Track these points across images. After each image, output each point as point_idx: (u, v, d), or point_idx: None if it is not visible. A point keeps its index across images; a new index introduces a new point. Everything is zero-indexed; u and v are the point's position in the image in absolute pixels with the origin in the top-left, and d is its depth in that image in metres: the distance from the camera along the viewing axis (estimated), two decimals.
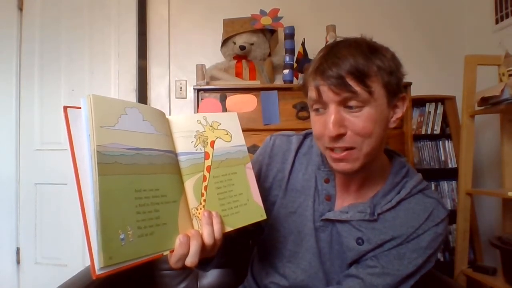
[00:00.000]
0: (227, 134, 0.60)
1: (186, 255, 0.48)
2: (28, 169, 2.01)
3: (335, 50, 0.59)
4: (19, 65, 2.02)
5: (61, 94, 1.99)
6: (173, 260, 0.48)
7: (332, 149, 0.60)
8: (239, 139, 0.61)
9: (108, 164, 0.43)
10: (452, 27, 2.12)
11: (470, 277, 1.54)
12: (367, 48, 0.58)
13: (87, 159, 0.43)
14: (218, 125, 0.59)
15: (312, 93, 0.60)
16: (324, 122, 0.59)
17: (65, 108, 0.44)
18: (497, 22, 1.84)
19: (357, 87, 0.56)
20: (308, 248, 0.68)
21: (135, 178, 0.45)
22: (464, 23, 2.11)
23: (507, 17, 1.77)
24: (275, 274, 0.72)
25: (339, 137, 0.58)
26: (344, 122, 0.58)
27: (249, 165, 0.60)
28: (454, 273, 1.63)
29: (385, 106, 0.59)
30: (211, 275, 1.04)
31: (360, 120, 0.57)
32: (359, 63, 0.56)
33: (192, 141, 0.55)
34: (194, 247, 0.48)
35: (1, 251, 1.99)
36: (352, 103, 0.57)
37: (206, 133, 0.57)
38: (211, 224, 0.51)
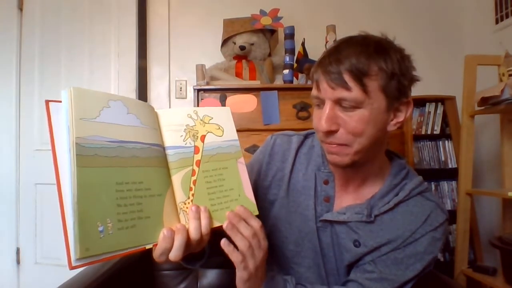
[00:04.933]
0: (219, 128, 0.59)
1: (169, 249, 0.47)
2: (28, 169, 2.01)
3: (342, 47, 0.60)
4: (19, 65, 2.02)
5: (61, 94, 1.98)
6: (156, 254, 0.48)
7: (327, 142, 0.62)
8: (231, 134, 0.60)
9: (88, 156, 0.43)
10: (452, 27, 2.12)
11: (470, 277, 1.53)
12: (374, 48, 0.58)
13: (66, 151, 0.42)
14: (210, 120, 0.59)
15: (313, 86, 0.62)
16: (320, 117, 0.60)
17: (47, 102, 0.44)
18: (497, 22, 1.84)
19: (352, 84, 0.56)
20: (311, 247, 0.68)
21: (116, 171, 0.45)
22: (464, 23, 2.11)
23: (507, 17, 1.77)
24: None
25: (330, 133, 0.59)
26: (337, 119, 0.59)
27: (242, 160, 0.59)
28: (454, 273, 1.63)
29: (383, 108, 0.59)
30: (211, 275, 1.04)
31: (352, 120, 0.58)
32: (360, 62, 0.56)
33: (182, 135, 0.55)
34: (178, 241, 0.47)
35: (1, 251, 1.99)
36: (346, 103, 0.57)
37: (197, 127, 0.57)
38: (199, 219, 0.50)
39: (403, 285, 0.63)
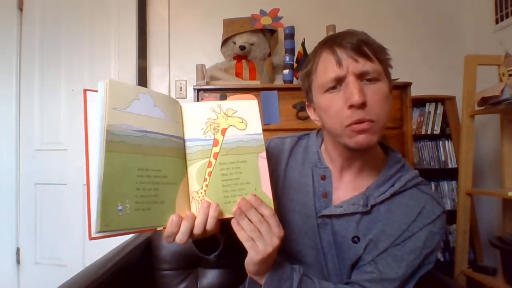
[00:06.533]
0: (242, 122, 0.59)
1: (176, 233, 0.52)
2: (28, 169, 2.01)
3: (344, 32, 0.63)
4: (19, 65, 2.02)
5: (61, 94, 1.99)
6: (164, 235, 0.52)
7: (352, 124, 0.59)
8: (255, 128, 0.59)
9: (116, 142, 0.47)
10: (452, 27, 2.12)
11: (470, 277, 1.54)
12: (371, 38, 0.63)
13: (97, 136, 0.47)
14: (233, 113, 0.59)
15: (328, 68, 0.61)
16: (344, 97, 0.59)
17: (85, 90, 0.50)
18: (497, 22, 1.84)
19: (372, 56, 0.59)
20: (312, 245, 0.68)
21: (139, 158, 0.49)
22: (464, 23, 2.11)
23: (507, 17, 1.77)
24: None
25: (362, 106, 0.58)
26: (364, 92, 0.59)
27: (263, 154, 0.59)
28: (454, 273, 1.63)
29: (388, 88, 0.63)
30: (211, 275, 1.04)
31: (376, 93, 0.60)
32: (371, 38, 0.61)
33: (202, 128, 0.57)
34: (184, 227, 0.52)
35: (1, 251, 1.99)
36: (370, 76, 0.59)
37: (218, 121, 0.58)
38: (206, 215, 0.53)
39: (404, 284, 0.63)
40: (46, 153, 1.99)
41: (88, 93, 0.49)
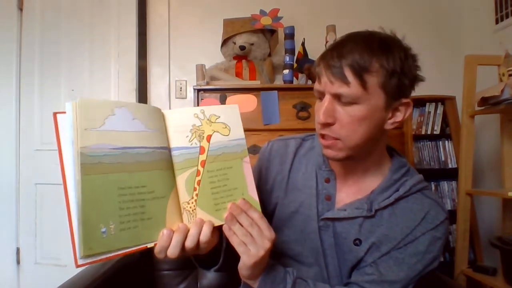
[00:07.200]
0: (226, 127, 0.59)
1: (167, 247, 0.51)
2: (28, 169, 2.01)
3: (346, 42, 0.60)
4: (19, 65, 2.02)
5: (61, 94, 1.99)
6: (156, 251, 0.51)
7: (323, 136, 0.63)
8: (238, 132, 0.59)
9: (92, 164, 0.45)
10: (452, 27, 2.12)
11: (470, 277, 1.54)
12: (377, 44, 0.59)
13: (71, 160, 0.45)
14: (217, 119, 0.58)
15: (317, 79, 0.63)
16: (319, 109, 0.62)
17: (55, 114, 0.47)
18: (497, 22, 1.84)
19: (352, 79, 0.57)
20: (313, 247, 0.68)
21: (119, 177, 0.48)
22: (464, 23, 2.11)
23: (507, 17, 1.77)
24: None
25: (326, 125, 0.61)
26: (334, 113, 0.60)
27: (247, 159, 0.59)
28: (454, 273, 1.63)
29: (381, 106, 0.60)
30: (211, 275, 1.04)
31: (348, 115, 0.59)
32: (362, 58, 0.57)
33: (187, 136, 0.55)
34: (175, 240, 0.51)
35: (1, 251, 1.99)
36: (344, 99, 0.58)
37: (203, 127, 0.57)
38: (200, 228, 0.53)
39: (404, 287, 0.63)
40: (46, 153, 1.99)
41: (58, 116, 0.47)
